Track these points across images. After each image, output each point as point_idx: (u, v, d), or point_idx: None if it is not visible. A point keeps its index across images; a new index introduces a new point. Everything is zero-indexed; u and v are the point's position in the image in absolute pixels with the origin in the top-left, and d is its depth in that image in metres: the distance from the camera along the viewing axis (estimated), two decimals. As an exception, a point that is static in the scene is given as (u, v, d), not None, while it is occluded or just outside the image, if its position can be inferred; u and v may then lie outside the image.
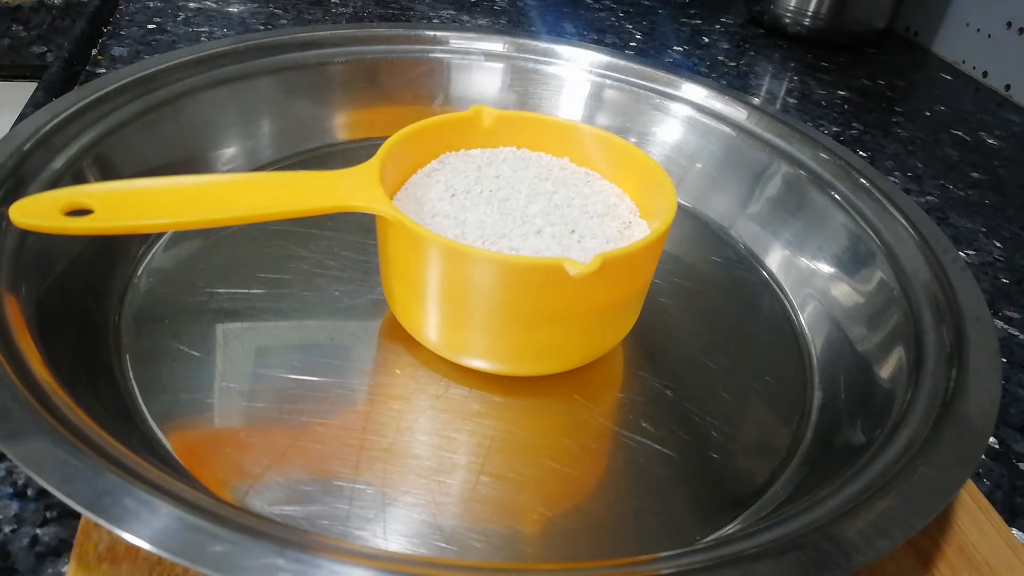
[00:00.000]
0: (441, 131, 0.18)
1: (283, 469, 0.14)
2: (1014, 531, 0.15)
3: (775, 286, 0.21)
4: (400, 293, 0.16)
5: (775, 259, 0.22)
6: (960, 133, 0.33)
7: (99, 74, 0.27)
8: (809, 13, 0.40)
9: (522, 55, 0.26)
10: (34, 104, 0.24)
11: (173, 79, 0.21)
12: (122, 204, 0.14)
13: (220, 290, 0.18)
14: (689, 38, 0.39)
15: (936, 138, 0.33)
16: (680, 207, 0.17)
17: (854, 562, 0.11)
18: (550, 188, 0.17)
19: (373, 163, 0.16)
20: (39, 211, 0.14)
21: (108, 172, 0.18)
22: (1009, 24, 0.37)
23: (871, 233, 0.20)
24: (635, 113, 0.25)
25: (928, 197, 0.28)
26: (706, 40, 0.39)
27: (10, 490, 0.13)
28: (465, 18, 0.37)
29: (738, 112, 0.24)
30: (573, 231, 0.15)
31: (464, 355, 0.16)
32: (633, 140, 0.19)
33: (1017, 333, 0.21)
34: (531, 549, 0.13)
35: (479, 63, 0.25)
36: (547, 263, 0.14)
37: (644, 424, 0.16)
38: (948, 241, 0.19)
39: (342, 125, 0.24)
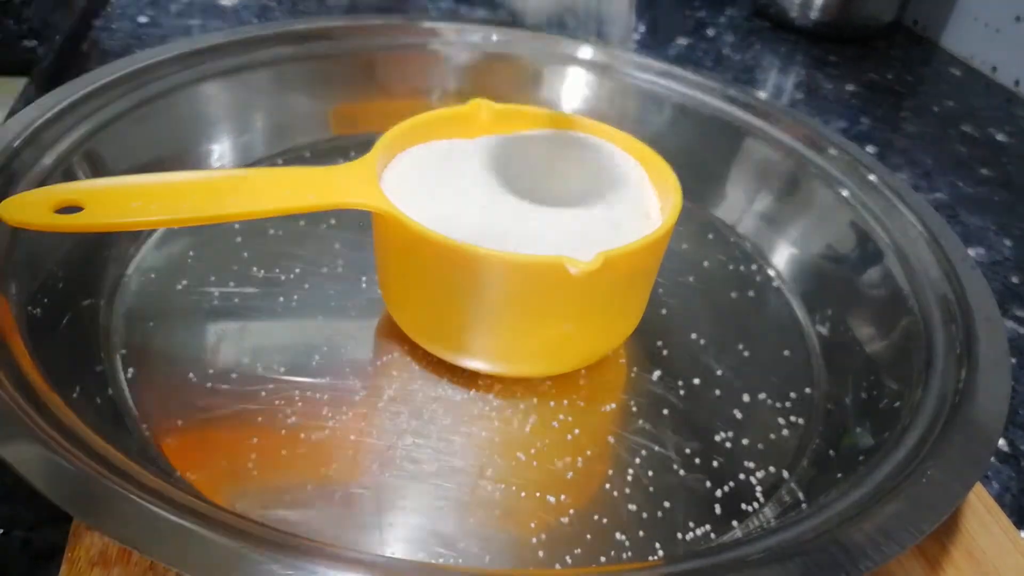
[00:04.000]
0: (439, 125, 0.18)
1: (278, 472, 0.14)
2: (1023, 535, 0.15)
3: (782, 285, 0.21)
4: (397, 292, 0.16)
5: (782, 257, 0.21)
6: (969, 129, 0.33)
7: (90, 68, 0.26)
8: (816, 6, 0.39)
9: (522, 48, 0.25)
10: (24, 99, 0.24)
11: (165, 73, 0.20)
12: (113, 201, 0.14)
13: (212, 289, 0.18)
14: (694, 31, 0.39)
15: (945, 134, 0.32)
16: (685, 204, 0.16)
17: (861, 567, 0.11)
18: (550, 183, 0.16)
19: (370, 158, 0.16)
20: (29, 208, 0.13)
21: (99, 168, 0.18)
22: (1018, 18, 0.36)
23: (880, 231, 0.19)
24: (638, 107, 0.24)
25: (937, 194, 0.28)
26: (711, 33, 0.39)
27: (1, 493, 0.13)
28: (464, 10, 0.36)
29: (744, 107, 0.23)
30: (573, 227, 0.15)
31: (463, 356, 0.16)
32: (636, 134, 0.18)
33: (1027, 333, 0.21)
34: (531, 555, 0.13)
35: (478, 56, 0.25)
36: (548, 261, 0.13)
37: (647, 426, 0.16)
38: (958, 239, 0.18)
39: (338, 119, 0.24)
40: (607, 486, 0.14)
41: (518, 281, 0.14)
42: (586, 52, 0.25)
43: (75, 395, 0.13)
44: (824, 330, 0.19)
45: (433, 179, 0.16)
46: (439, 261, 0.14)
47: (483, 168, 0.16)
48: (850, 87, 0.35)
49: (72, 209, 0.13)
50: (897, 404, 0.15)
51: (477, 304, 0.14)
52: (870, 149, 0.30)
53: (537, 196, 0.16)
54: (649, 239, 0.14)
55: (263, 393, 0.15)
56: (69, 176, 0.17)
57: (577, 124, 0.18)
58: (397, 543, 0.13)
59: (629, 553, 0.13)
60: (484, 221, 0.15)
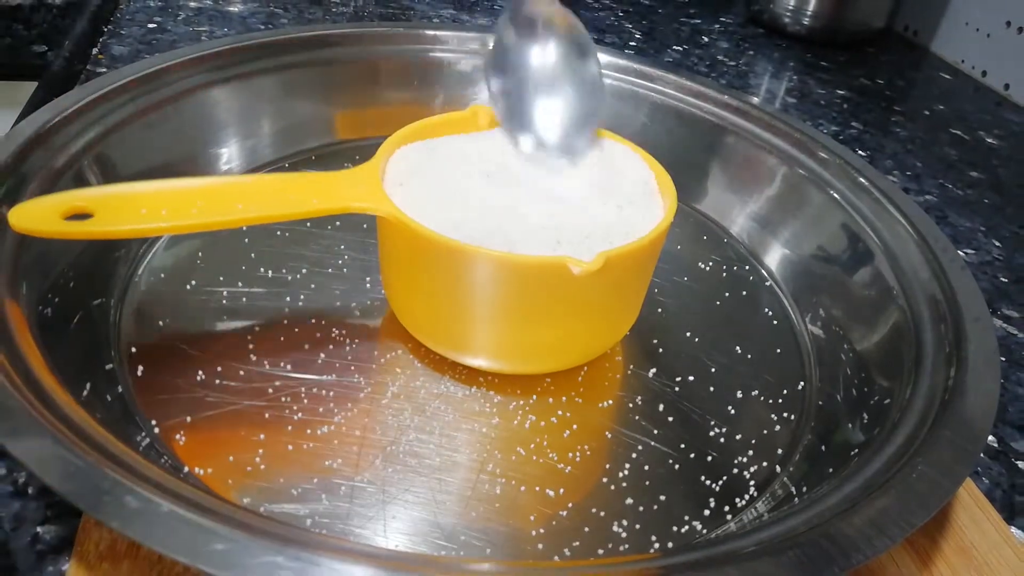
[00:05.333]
0: (440, 130, 0.18)
1: (283, 467, 0.14)
2: (1013, 529, 0.15)
3: (774, 285, 0.21)
4: (401, 292, 0.16)
5: (774, 258, 0.22)
6: (959, 132, 0.33)
7: (100, 73, 0.26)
8: (808, 12, 0.40)
9: (522, 54, 0.26)
10: (35, 103, 0.24)
11: (174, 78, 0.21)
12: (122, 208, 0.14)
13: (220, 289, 0.18)
14: (688, 37, 0.39)
15: (935, 137, 0.33)
16: (679, 206, 0.17)
17: (853, 560, 0.11)
18: (550, 182, 0.17)
19: (373, 163, 0.16)
20: (39, 216, 0.14)
21: (108, 171, 0.18)
22: (1008, 23, 0.37)
23: (870, 232, 0.20)
24: (634, 112, 0.25)
25: (927, 196, 0.28)
26: (705, 39, 0.39)
27: (10, 488, 0.13)
28: (465, 18, 0.37)
29: (737, 111, 0.24)
30: (574, 226, 0.15)
31: (465, 353, 0.16)
32: (631, 138, 0.19)
33: (1016, 332, 0.21)
34: (531, 548, 0.13)
35: (479, 63, 0.25)
36: (551, 261, 0.14)
37: (643, 423, 0.16)
38: (947, 240, 0.19)
39: (342, 124, 0.24)
40: (605, 480, 0.15)
41: (521, 281, 0.14)
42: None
43: (85, 393, 0.14)
44: (816, 329, 0.19)
45: (435, 181, 0.16)
46: (443, 262, 0.14)
47: (485, 168, 0.16)
48: (842, 92, 0.35)
49: (81, 216, 0.14)
50: (887, 401, 0.16)
51: (480, 303, 0.15)
52: (861, 152, 0.30)
53: (538, 195, 0.16)
54: (647, 239, 0.15)
55: (270, 390, 0.15)
56: (79, 179, 0.17)
57: None
58: (400, 536, 0.13)
59: (626, 545, 0.14)
60: (486, 221, 0.15)
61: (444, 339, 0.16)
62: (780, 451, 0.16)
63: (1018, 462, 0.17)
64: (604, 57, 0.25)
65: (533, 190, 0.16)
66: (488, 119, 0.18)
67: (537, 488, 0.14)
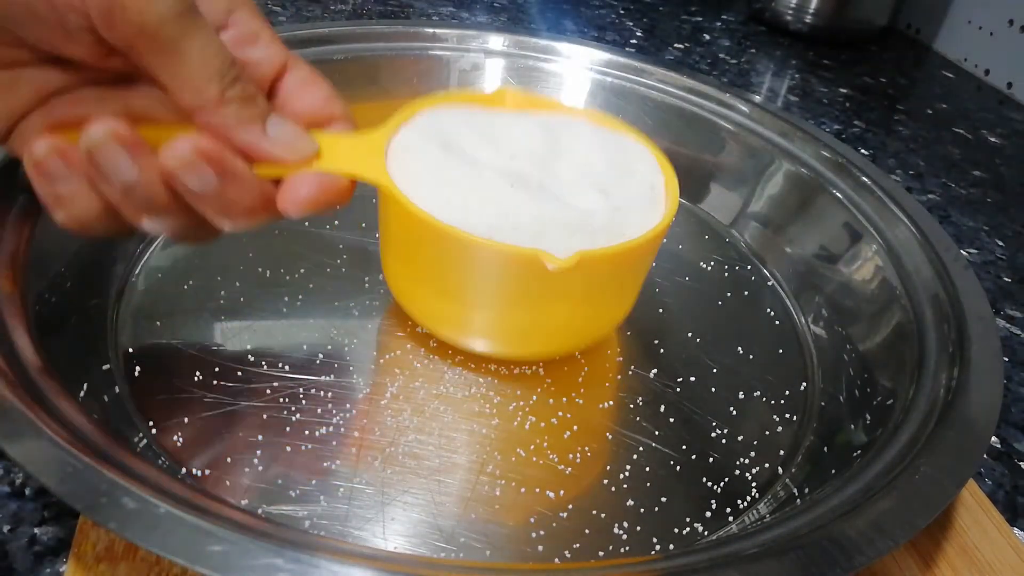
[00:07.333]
0: (465, 104, 0.17)
1: (282, 469, 0.14)
2: (1016, 531, 0.15)
3: (776, 285, 0.21)
4: (391, 262, 0.16)
5: (776, 257, 0.22)
6: (962, 131, 0.33)
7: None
8: (810, 10, 0.40)
9: (522, 52, 0.26)
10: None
11: (171, 77, 0.21)
12: None
13: (218, 289, 0.18)
14: (690, 35, 0.39)
15: (938, 136, 0.32)
16: (681, 205, 0.17)
17: (855, 562, 0.11)
18: (550, 175, 0.16)
19: (384, 132, 0.15)
20: None
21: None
22: (1011, 22, 0.37)
23: (873, 232, 0.20)
24: (635, 110, 0.25)
25: (930, 195, 0.28)
26: (707, 37, 0.39)
27: (8, 489, 0.13)
28: (465, 15, 0.36)
29: (739, 110, 0.24)
30: (561, 221, 0.15)
31: (449, 330, 0.16)
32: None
33: (1019, 332, 0.21)
34: (531, 549, 0.13)
35: (479, 60, 0.25)
36: (523, 253, 0.13)
37: (644, 424, 0.16)
38: (950, 240, 0.19)
39: (341, 123, 0.24)
40: (605, 481, 0.15)
41: (494, 268, 0.14)
42: (584, 56, 0.26)
43: (82, 393, 0.14)
44: (818, 329, 0.19)
45: (440, 156, 0.15)
46: (422, 237, 0.14)
47: (494, 149, 0.16)
48: (844, 90, 0.35)
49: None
50: (890, 402, 0.16)
51: (457, 283, 0.15)
52: (863, 151, 0.30)
53: (535, 183, 0.15)
54: (628, 245, 0.14)
55: (268, 391, 0.15)
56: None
57: (598, 119, 0.18)
58: (399, 538, 0.13)
59: (627, 547, 0.14)
60: (470, 201, 0.14)
61: (427, 314, 0.16)
62: (782, 452, 0.16)
63: (1021, 463, 0.17)
64: (605, 55, 0.25)
65: (533, 178, 0.15)
66: (515, 101, 0.17)
67: (537, 489, 0.14)
